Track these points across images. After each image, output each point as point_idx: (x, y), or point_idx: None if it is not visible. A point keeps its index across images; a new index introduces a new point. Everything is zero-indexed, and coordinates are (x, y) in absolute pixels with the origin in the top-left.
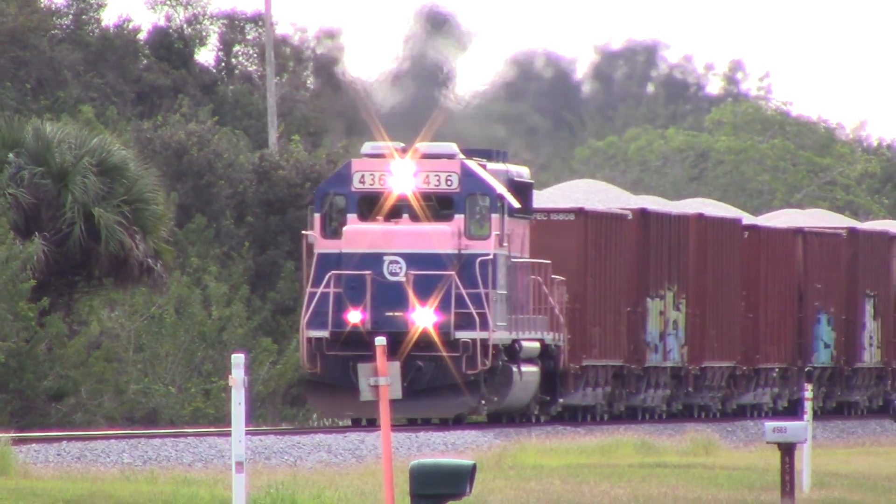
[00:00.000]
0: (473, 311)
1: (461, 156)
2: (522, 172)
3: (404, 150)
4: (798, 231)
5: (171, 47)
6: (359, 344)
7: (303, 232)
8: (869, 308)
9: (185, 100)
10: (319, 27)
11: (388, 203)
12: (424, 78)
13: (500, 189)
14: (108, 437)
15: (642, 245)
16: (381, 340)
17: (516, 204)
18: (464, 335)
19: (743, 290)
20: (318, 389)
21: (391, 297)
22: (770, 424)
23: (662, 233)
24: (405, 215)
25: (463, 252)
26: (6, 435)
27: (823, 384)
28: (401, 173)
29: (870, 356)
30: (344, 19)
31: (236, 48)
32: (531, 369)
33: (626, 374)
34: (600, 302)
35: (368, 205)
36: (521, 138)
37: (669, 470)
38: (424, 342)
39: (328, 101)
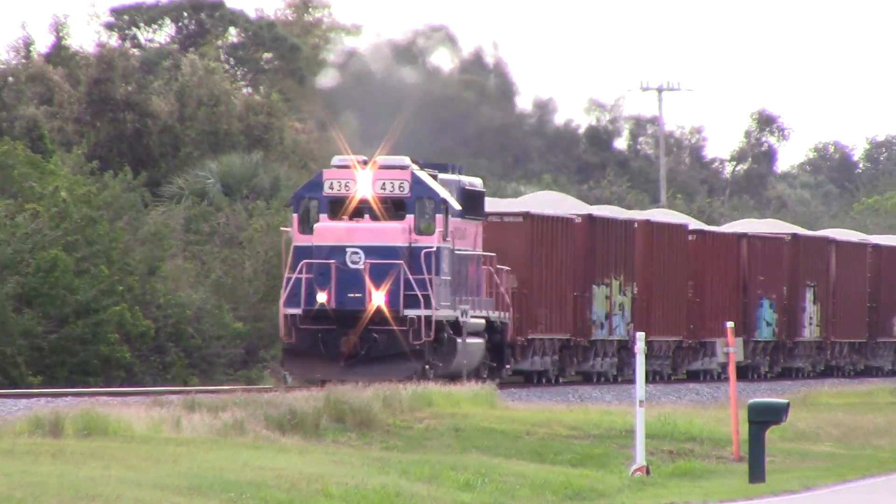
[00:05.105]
0: (419, 293)
1: (413, 167)
2: (475, 182)
3: (365, 163)
4: (742, 235)
5: (599, 137)
6: (325, 319)
7: (281, 228)
8: (809, 295)
9: (609, 172)
10: (691, 124)
11: (352, 205)
12: (756, 158)
13: (444, 194)
14: (559, 385)
15: (589, 243)
16: (730, 324)
17: (458, 207)
18: (411, 312)
19: (690, 280)
20: (293, 356)
21: (352, 281)
22: None
23: (609, 233)
24: (366, 215)
25: (412, 245)
26: (493, 383)
27: (768, 354)
28: (363, 181)
29: (809, 332)
30: (706, 118)
31: (640, 138)
32: (476, 341)
33: (574, 345)
34: (546, 288)
35: (336, 206)
36: (825, 205)
37: None
38: (379, 318)
39: (695, 173)
